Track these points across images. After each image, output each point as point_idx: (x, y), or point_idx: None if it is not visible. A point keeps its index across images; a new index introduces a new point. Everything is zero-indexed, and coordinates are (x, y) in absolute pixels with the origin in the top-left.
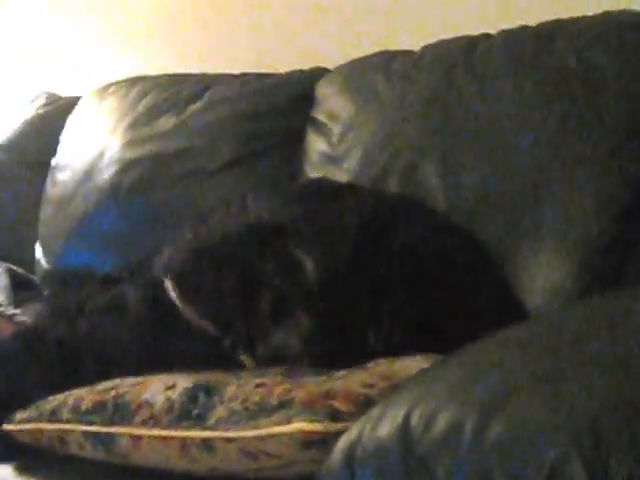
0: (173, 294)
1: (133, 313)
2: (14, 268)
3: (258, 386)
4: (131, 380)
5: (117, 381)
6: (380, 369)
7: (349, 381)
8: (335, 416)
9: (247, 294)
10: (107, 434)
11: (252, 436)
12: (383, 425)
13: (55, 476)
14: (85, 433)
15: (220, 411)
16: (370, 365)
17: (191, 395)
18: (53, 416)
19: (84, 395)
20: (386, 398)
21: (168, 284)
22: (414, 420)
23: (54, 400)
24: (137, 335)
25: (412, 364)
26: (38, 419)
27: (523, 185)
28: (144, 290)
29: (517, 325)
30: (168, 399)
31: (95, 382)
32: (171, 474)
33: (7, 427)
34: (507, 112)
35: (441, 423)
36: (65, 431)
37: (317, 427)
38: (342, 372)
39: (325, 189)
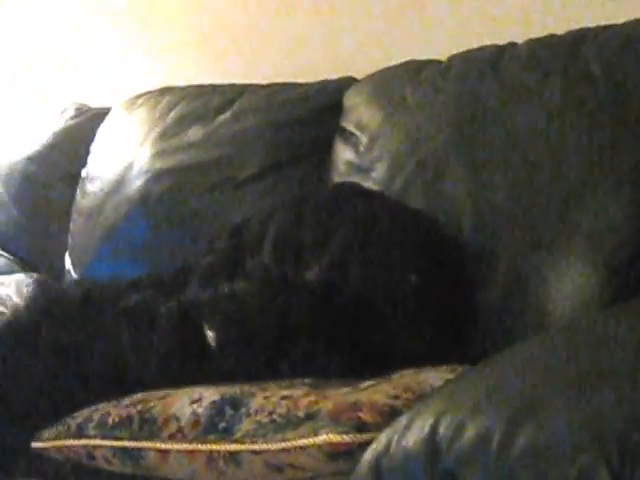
0: (212, 340)
1: (163, 349)
2: (44, 278)
3: (284, 398)
4: (157, 394)
5: (142, 395)
6: (404, 380)
7: (374, 392)
8: (361, 427)
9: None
10: (135, 449)
11: (278, 449)
12: (410, 436)
13: None
14: (113, 448)
15: (247, 424)
16: (395, 376)
17: (217, 409)
18: (79, 432)
19: (110, 410)
20: (413, 408)
21: (209, 332)
22: (441, 431)
23: (79, 416)
24: (164, 372)
25: (436, 375)
26: (65, 436)
27: (551, 194)
28: (179, 328)
29: (544, 335)
30: (194, 413)
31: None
32: None
33: (35, 445)
34: (534, 122)
35: (469, 433)
36: (93, 447)
37: (344, 439)
38: (367, 383)
39: (344, 207)
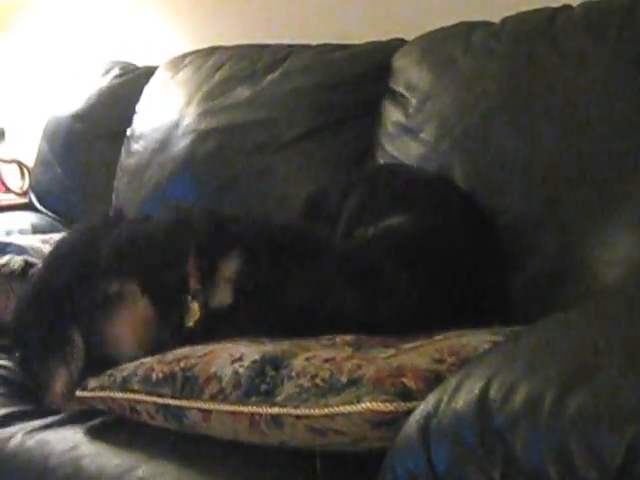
0: None
1: None
2: None
3: (327, 361)
4: (198, 350)
5: (185, 350)
6: (448, 343)
7: (418, 356)
8: (405, 395)
9: None
10: (177, 407)
11: (321, 414)
12: (459, 397)
13: (127, 441)
14: (156, 405)
15: (289, 387)
16: (437, 338)
17: (259, 369)
18: (124, 385)
19: (154, 365)
20: (462, 370)
21: None
22: (492, 393)
23: (125, 369)
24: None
25: (480, 338)
26: (110, 388)
27: (604, 160)
28: None
29: (596, 300)
30: (236, 373)
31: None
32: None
33: (80, 394)
34: (588, 85)
35: (520, 396)
36: (136, 401)
37: (387, 407)
38: (410, 345)
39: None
